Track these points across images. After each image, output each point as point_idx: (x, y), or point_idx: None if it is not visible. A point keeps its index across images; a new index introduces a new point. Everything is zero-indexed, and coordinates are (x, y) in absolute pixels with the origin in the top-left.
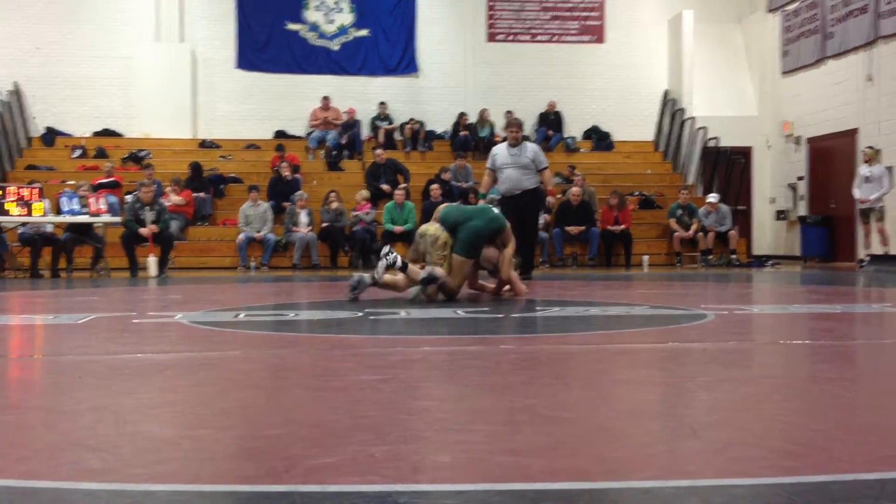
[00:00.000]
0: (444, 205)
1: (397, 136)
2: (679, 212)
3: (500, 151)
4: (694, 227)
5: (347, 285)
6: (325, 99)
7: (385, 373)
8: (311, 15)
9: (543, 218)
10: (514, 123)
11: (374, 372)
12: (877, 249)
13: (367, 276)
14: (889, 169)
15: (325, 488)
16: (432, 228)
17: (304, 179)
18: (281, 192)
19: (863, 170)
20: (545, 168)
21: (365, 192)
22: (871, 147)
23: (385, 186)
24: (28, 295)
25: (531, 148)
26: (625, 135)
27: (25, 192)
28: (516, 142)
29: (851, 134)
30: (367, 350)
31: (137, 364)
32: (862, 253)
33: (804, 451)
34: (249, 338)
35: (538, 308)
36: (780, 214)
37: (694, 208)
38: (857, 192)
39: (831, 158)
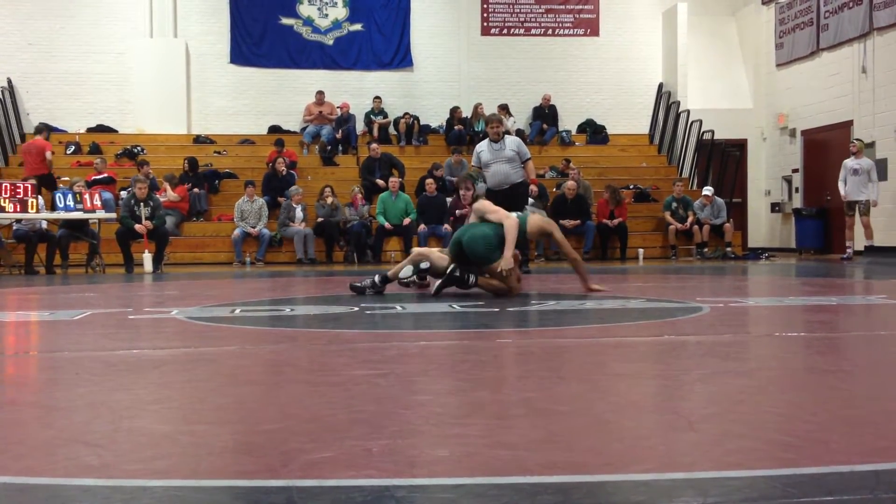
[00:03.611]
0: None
1: (392, 130)
2: (674, 205)
3: (484, 148)
4: (690, 219)
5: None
6: (320, 94)
7: (381, 367)
8: (305, 9)
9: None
10: (493, 120)
11: (371, 367)
12: (861, 242)
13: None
14: (884, 161)
15: (323, 483)
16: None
17: (299, 174)
18: (275, 187)
19: (850, 162)
20: (528, 159)
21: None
22: (859, 139)
23: (380, 181)
24: (23, 292)
25: (512, 141)
26: (620, 128)
27: (20, 189)
28: (498, 137)
29: (846, 126)
30: (363, 345)
31: (133, 360)
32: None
33: (800, 443)
34: (245, 333)
35: (534, 302)
36: (775, 207)
37: (689, 201)
38: (843, 187)
39: (826, 151)
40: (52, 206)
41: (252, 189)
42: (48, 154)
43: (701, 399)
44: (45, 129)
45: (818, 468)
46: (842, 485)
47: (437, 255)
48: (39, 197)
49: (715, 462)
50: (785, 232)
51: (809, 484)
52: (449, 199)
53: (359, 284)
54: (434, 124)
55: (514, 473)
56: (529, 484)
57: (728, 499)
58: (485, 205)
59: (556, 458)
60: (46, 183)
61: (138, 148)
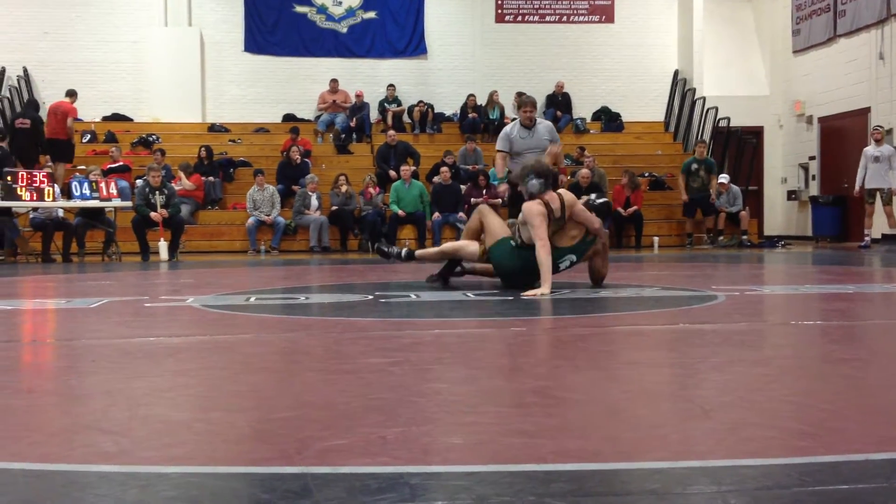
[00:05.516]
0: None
1: (406, 118)
2: (694, 166)
3: (515, 134)
4: (712, 186)
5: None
6: (334, 82)
7: (396, 355)
8: None
9: None
10: (528, 103)
11: (385, 354)
12: (883, 230)
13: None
14: None
15: (337, 470)
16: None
17: (314, 163)
18: (290, 175)
19: (870, 150)
20: (558, 144)
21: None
22: (881, 126)
23: (392, 173)
24: (40, 280)
25: (545, 127)
26: (635, 115)
27: (36, 178)
28: (530, 123)
29: (863, 113)
30: (377, 333)
31: (150, 347)
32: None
33: (815, 432)
34: (261, 321)
35: None
36: (792, 195)
37: (712, 164)
38: (863, 174)
39: (843, 138)
40: (69, 195)
41: (262, 177)
42: (69, 121)
43: (716, 387)
44: (75, 94)
45: (833, 457)
46: (857, 473)
47: (471, 248)
48: (56, 186)
49: (730, 450)
50: (801, 220)
51: (825, 472)
52: (463, 187)
53: (386, 249)
54: (448, 112)
55: (528, 461)
56: (543, 472)
57: (743, 487)
58: (529, 212)
59: (569, 446)
60: (62, 150)
61: (153, 136)
